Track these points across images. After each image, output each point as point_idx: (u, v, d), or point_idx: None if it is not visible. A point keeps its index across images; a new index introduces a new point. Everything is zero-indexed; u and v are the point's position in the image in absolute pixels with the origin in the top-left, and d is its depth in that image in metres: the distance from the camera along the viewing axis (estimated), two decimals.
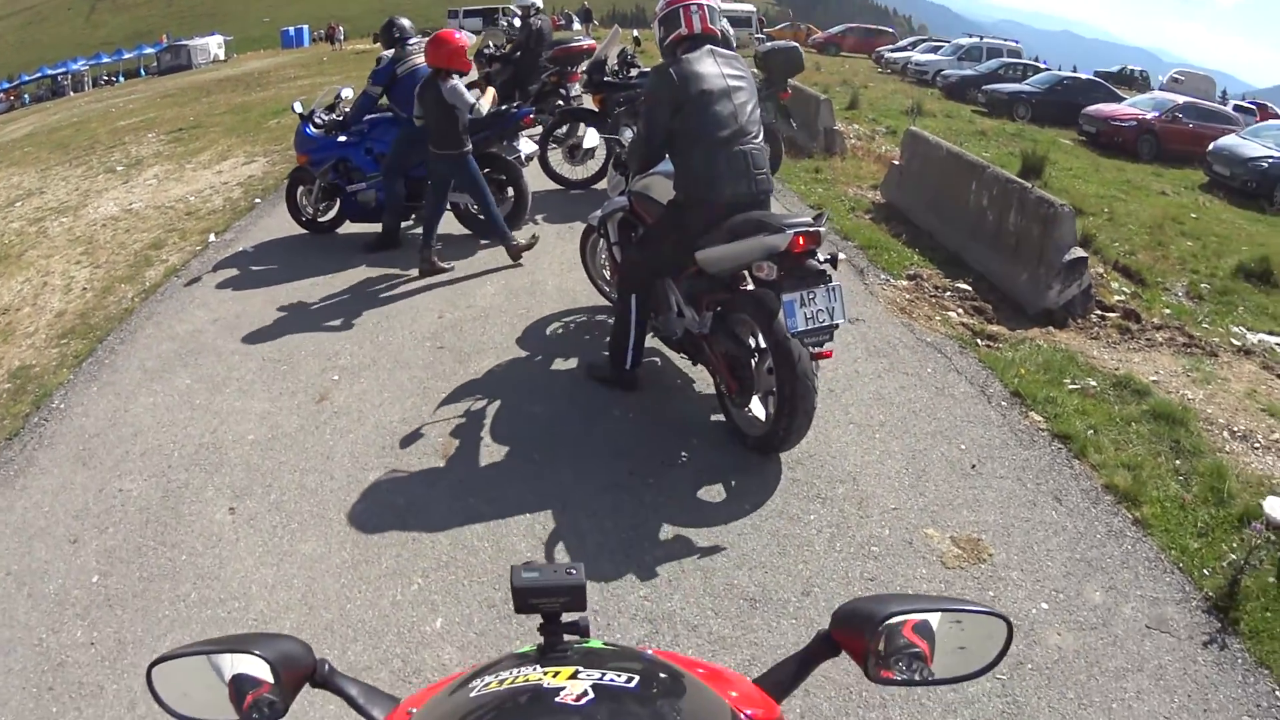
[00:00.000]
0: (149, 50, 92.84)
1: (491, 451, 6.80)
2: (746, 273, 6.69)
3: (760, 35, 60.77)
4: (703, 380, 7.81)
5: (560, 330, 9.11)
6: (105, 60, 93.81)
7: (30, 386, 8.74)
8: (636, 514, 6.10)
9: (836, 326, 6.26)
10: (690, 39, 6.87)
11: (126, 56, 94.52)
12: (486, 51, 18.68)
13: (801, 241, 6.15)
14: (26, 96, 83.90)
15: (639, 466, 6.59)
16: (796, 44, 16.45)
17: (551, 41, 17.05)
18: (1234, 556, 5.78)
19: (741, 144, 6.66)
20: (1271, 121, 35.86)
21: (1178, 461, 6.98)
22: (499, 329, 9.06)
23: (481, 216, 11.19)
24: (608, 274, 9.15)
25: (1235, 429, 7.72)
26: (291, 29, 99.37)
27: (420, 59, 11.31)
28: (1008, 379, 8.05)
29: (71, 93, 78.39)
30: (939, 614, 1.91)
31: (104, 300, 10.88)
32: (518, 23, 17.94)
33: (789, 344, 6.19)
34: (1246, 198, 25.14)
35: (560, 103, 16.28)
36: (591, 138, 8.63)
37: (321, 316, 9.53)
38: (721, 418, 7.26)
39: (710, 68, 6.71)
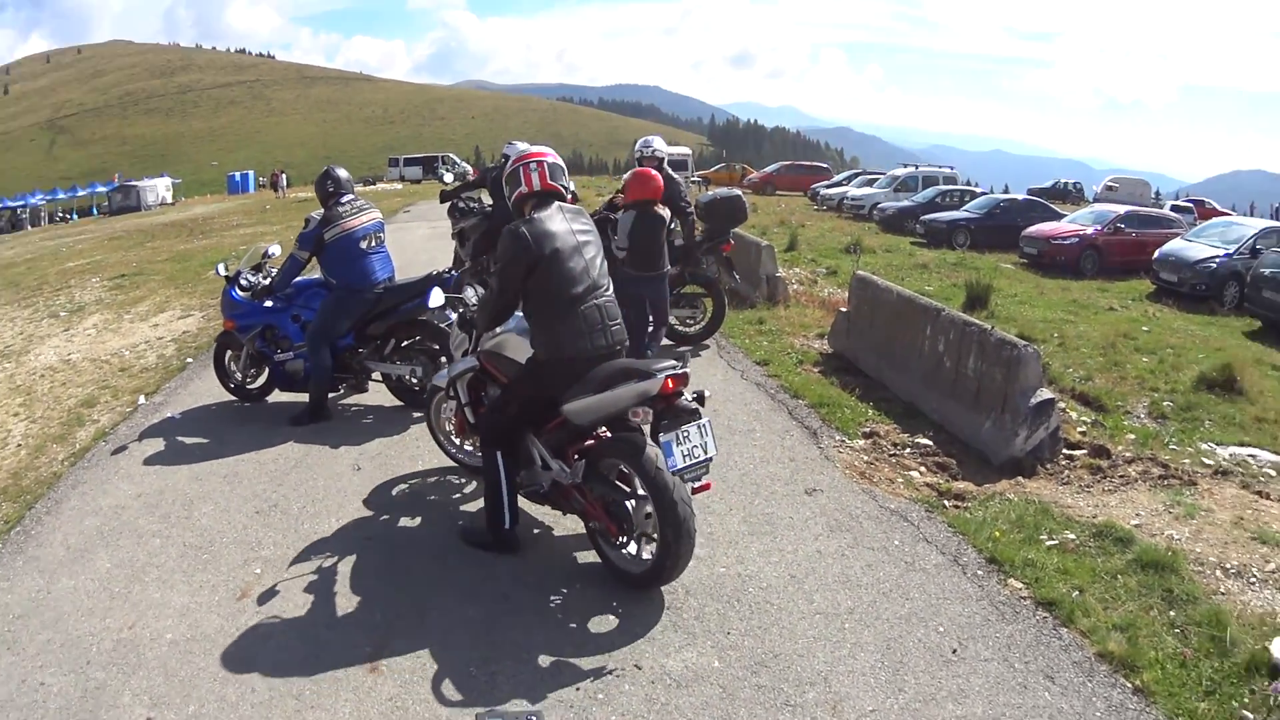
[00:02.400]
0: (101, 189, 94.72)
1: (428, 665, 6.17)
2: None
3: (695, 178, 61.18)
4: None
5: None
6: (61, 196, 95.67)
7: None
8: None
9: (711, 459, 6.76)
10: (537, 196, 7.20)
11: (80, 194, 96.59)
12: (460, 205, 17.82)
13: (671, 384, 6.63)
14: None
15: (583, 679, 5.97)
16: (739, 193, 16.11)
17: None
18: (1248, 714, 5.44)
19: (594, 299, 7.03)
20: (1215, 220, 36.24)
21: (1172, 613, 6.59)
22: (432, 518, 8.55)
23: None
24: (453, 435, 9.31)
25: (1228, 565, 7.34)
26: (238, 174, 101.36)
27: (355, 220, 10.94)
28: (981, 543, 7.65)
29: (29, 226, 79.95)
30: None
31: (36, 460, 10.42)
32: (466, 171, 17.44)
33: (667, 482, 6.48)
34: (1197, 302, 25.31)
35: None
36: (437, 297, 8.53)
37: (245, 498, 8.96)
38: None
39: (560, 225, 7.04)
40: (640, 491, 6.81)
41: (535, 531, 8.13)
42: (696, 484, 6.85)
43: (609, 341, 7.04)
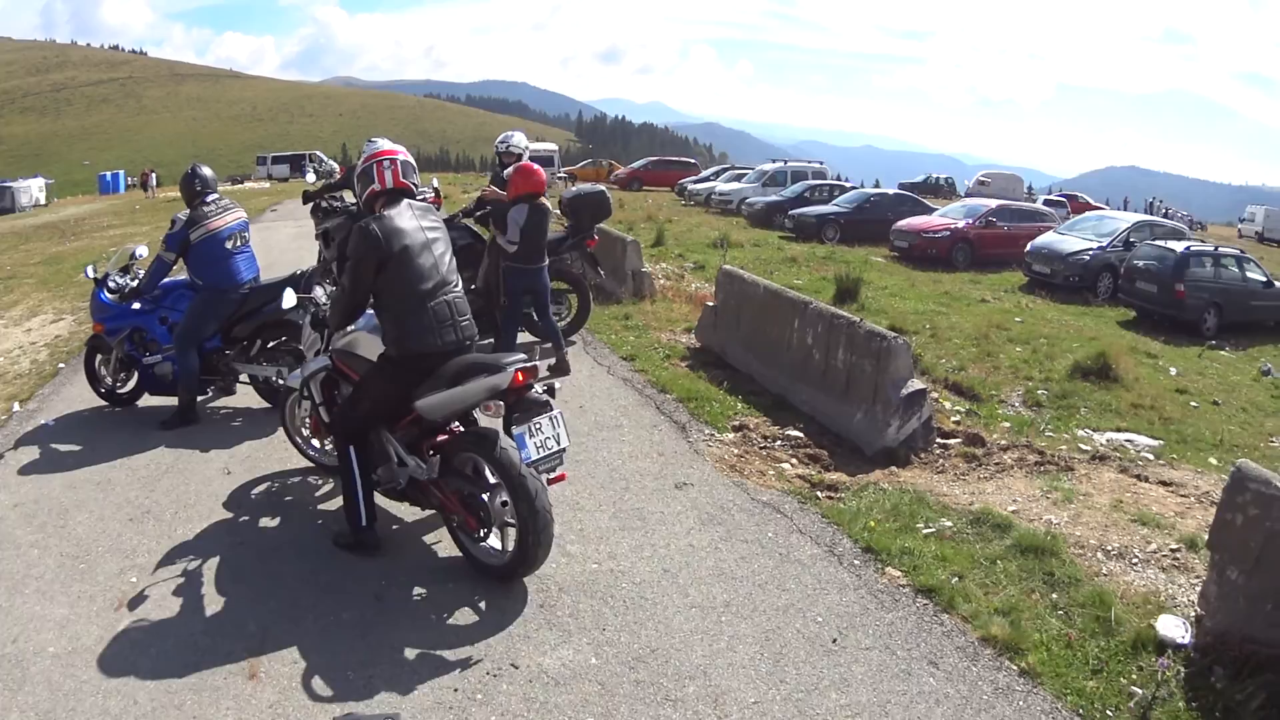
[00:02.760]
0: None
1: (306, 670, 6.05)
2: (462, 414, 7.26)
3: (561, 174, 61.03)
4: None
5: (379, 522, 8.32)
6: None
7: None
8: None
9: (565, 450, 7.11)
10: (387, 194, 7.36)
11: None
12: (324, 205, 17.11)
13: (521, 377, 6.87)
14: None
15: (460, 680, 5.88)
16: (603, 188, 16.02)
17: None
18: (1136, 689, 5.59)
19: (444, 294, 7.20)
20: (1088, 214, 37.04)
21: (1054, 596, 6.71)
22: (301, 519, 8.43)
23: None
24: (307, 434, 9.37)
25: (1109, 547, 7.51)
26: (109, 174, 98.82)
27: (220, 220, 10.83)
28: (856, 533, 7.69)
29: None
30: None
31: None
32: (333, 169, 16.99)
33: (521, 474, 6.66)
34: (1070, 293, 26.03)
35: None
36: (289, 298, 8.58)
37: (119, 505, 8.70)
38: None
39: (409, 222, 7.21)
40: (495, 483, 6.96)
41: (394, 528, 8.09)
42: (552, 475, 7.06)
43: (459, 337, 7.22)
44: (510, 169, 12.85)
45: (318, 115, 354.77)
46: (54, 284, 22.95)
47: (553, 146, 72.43)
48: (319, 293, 8.66)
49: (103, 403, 11.64)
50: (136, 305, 11.14)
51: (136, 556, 7.68)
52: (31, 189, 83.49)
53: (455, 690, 5.77)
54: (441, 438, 7.41)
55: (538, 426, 6.93)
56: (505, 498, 6.83)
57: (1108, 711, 5.44)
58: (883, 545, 7.38)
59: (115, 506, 8.67)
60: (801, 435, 10.11)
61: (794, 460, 9.51)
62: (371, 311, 7.63)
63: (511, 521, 6.90)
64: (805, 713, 5.47)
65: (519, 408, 6.94)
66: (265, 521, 8.33)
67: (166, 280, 11.16)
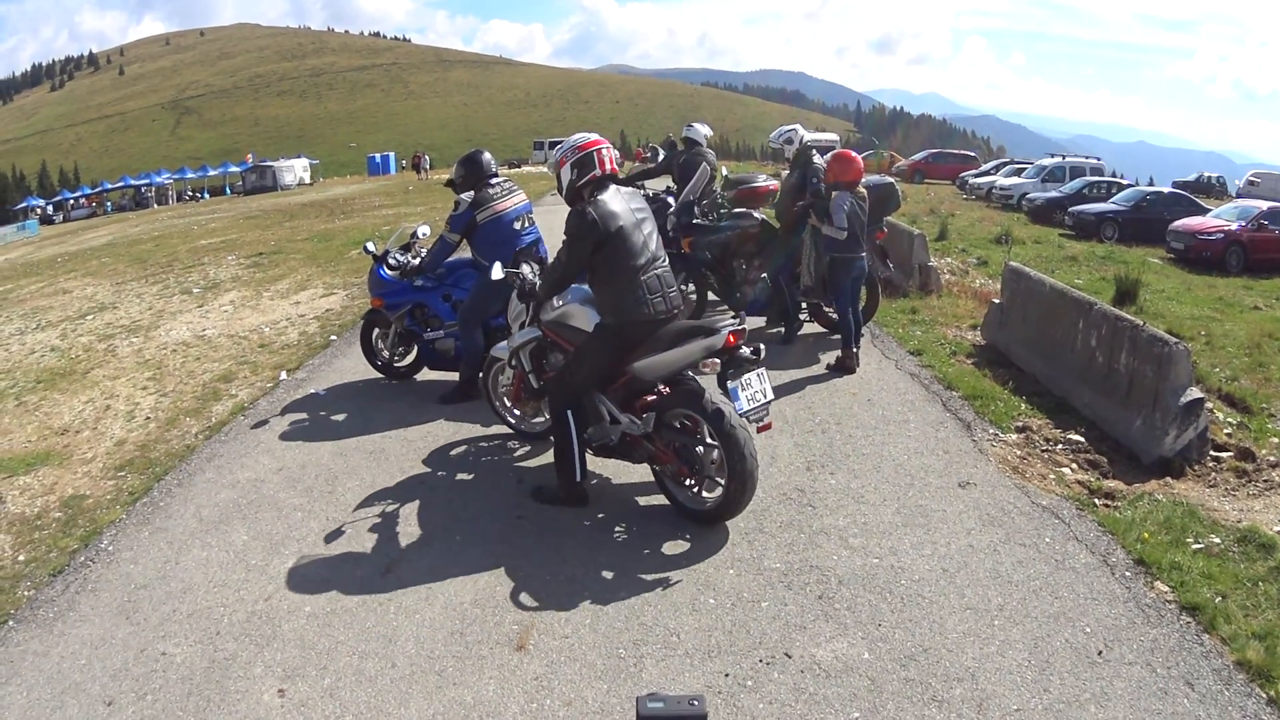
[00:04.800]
0: (234, 169, 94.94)
1: (576, 645, 6.07)
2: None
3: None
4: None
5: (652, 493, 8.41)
6: (190, 175, 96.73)
7: (81, 520, 8.35)
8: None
9: (771, 402, 7.75)
10: (599, 180, 7.74)
11: (211, 173, 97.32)
12: (648, 194, 15.46)
13: (733, 338, 7.36)
14: (109, 204, 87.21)
15: (732, 666, 5.85)
16: (892, 180, 15.92)
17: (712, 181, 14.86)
18: None
19: (654, 269, 7.62)
20: None
21: None
22: (589, 498, 8.33)
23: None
24: (508, 401, 9.74)
25: None
26: (378, 156, 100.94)
27: (506, 202, 10.76)
28: (1130, 544, 7.35)
29: (155, 205, 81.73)
30: None
31: (166, 433, 10.58)
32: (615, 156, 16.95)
33: (732, 425, 7.18)
34: None
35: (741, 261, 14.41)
36: (497, 271, 8.70)
37: (392, 475, 9.00)
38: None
39: (620, 205, 7.66)
40: (707, 435, 7.42)
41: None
42: (760, 424, 7.68)
43: (668, 306, 7.62)
44: (829, 155, 12.66)
45: (593, 102, 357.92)
46: (323, 260, 23.74)
47: (833, 137, 71.19)
48: (525, 269, 8.89)
49: (376, 375, 12.00)
50: (419, 282, 11.36)
51: (408, 525, 7.91)
52: (295, 169, 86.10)
53: (726, 675, 5.72)
54: (650, 398, 7.75)
55: (748, 382, 7.55)
56: (716, 446, 7.32)
57: None
58: (1154, 559, 7.05)
59: (389, 476, 8.97)
60: (1082, 440, 9.73)
61: (1074, 465, 9.18)
62: (580, 286, 8.19)
63: (720, 469, 7.38)
64: None
65: (731, 365, 7.47)
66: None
67: (451, 259, 11.31)
